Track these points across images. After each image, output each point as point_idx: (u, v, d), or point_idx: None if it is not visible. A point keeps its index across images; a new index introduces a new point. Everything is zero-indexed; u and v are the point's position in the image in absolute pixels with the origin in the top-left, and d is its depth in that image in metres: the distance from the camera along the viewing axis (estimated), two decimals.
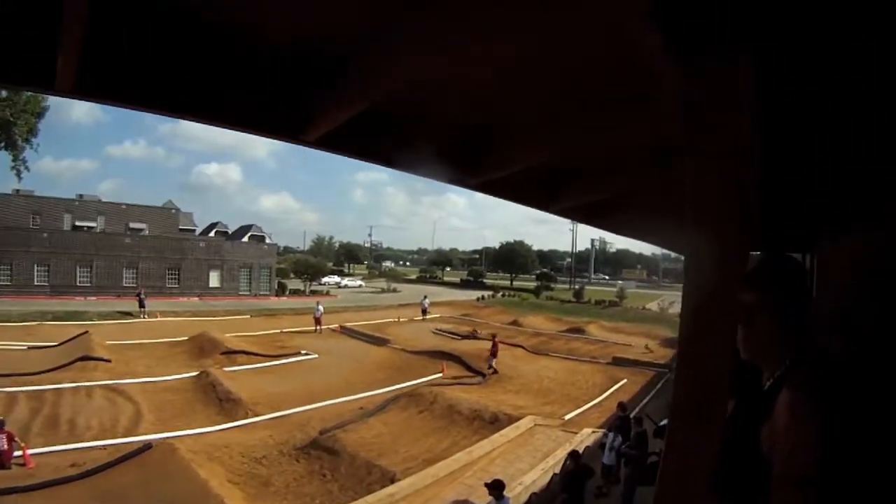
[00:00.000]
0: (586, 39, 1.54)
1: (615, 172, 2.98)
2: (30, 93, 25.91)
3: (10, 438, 10.82)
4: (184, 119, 1.94)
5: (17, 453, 10.93)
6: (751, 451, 1.36)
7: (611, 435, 10.36)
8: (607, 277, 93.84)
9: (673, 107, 1.35)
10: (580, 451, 9.97)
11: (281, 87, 1.97)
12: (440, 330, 32.55)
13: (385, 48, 1.61)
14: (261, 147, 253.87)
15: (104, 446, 12.09)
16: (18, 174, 28.91)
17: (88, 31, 1.43)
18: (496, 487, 8.00)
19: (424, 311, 37.78)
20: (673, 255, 43.19)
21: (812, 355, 1.37)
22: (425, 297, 40.69)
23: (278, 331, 29.51)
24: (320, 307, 31.48)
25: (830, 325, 2.32)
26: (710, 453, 1.20)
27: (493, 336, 23.49)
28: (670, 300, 47.53)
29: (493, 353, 21.51)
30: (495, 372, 20.92)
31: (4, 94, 25.14)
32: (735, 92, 1.09)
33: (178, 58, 1.73)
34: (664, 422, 9.55)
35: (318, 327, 30.11)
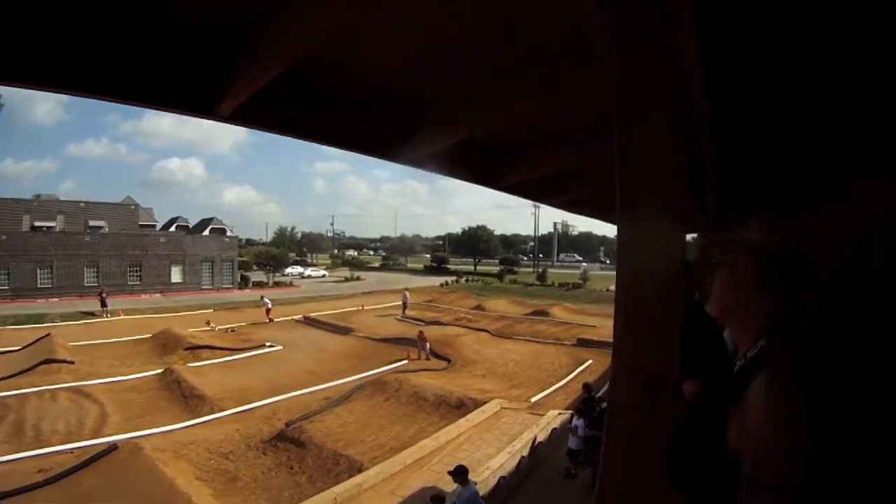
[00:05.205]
0: None
1: (559, 146, 2.89)
2: None
3: None
4: (77, 96, 1.76)
5: None
6: (714, 444, 1.11)
7: (574, 419, 10.42)
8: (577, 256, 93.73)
9: (607, 73, 1.24)
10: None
11: (186, 58, 1.76)
12: (404, 316, 32.55)
13: None
14: (224, 140, 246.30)
15: (71, 450, 11.79)
16: None
17: None
18: (460, 473, 8.00)
19: (405, 307, 34.43)
20: None
21: (796, 331, 1.10)
22: (406, 291, 37.31)
23: (243, 324, 29.34)
24: (266, 300, 32.60)
25: (819, 293, 2.15)
26: (658, 442, 1.11)
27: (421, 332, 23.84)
28: None
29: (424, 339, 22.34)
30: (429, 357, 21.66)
31: None
32: (671, 48, 1.00)
33: (70, 31, 1.56)
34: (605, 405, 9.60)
35: (268, 318, 30.58)
